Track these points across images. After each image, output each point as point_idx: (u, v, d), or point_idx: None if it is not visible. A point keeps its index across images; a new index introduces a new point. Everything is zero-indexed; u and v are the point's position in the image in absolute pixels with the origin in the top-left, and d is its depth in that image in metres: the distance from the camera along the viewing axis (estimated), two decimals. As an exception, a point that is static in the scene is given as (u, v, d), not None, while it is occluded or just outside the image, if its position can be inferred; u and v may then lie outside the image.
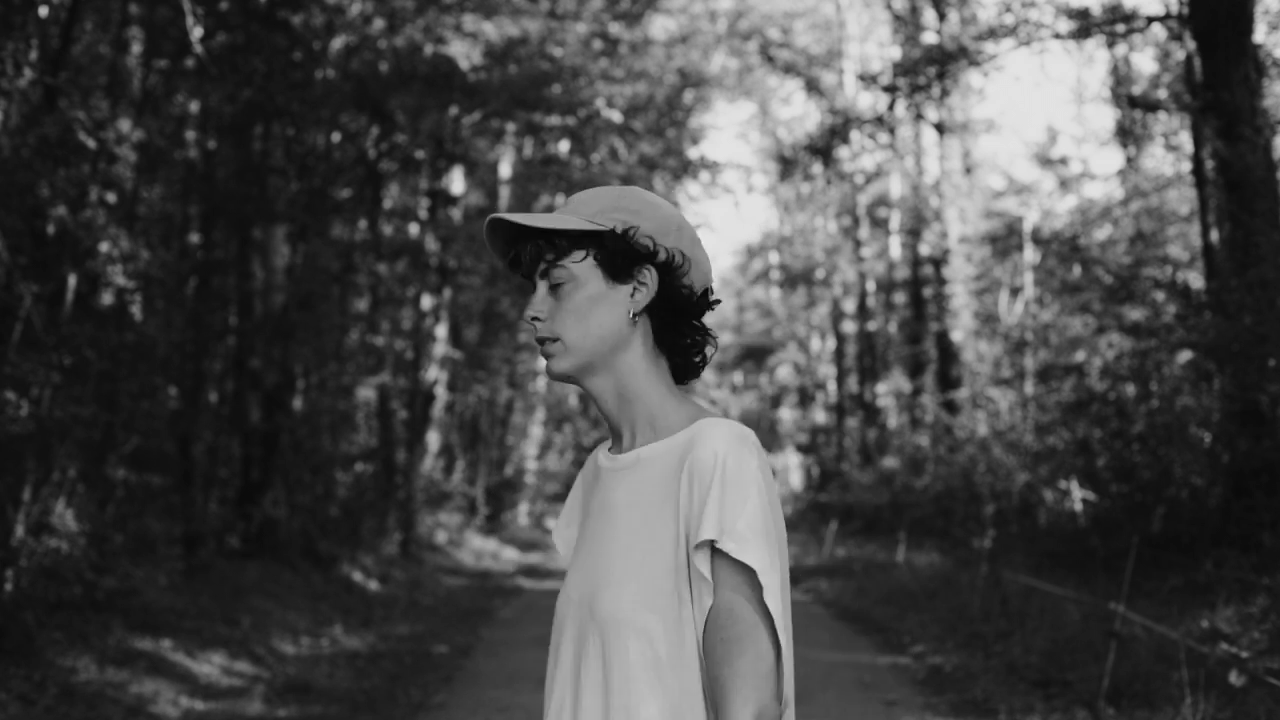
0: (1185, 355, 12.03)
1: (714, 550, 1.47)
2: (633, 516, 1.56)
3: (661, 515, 1.53)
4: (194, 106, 13.34)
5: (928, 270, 25.70)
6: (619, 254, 1.58)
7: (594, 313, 1.58)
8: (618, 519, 1.58)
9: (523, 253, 1.61)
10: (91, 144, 8.56)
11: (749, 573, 1.46)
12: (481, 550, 20.01)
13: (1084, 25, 13.04)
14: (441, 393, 20.36)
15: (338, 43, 14.33)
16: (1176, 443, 11.89)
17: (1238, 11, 10.88)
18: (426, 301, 19.33)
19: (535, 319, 1.60)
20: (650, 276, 1.58)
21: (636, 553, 1.53)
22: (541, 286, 1.61)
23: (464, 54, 15.07)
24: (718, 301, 1.66)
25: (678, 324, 1.61)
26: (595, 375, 1.62)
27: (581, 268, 1.58)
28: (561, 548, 1.76)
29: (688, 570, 1.50)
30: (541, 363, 27.71)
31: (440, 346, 19.74)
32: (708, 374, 43.44)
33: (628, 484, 1.59)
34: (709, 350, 1.66)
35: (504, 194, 23.34)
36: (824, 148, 23.08)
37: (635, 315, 1.59)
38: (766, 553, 1.46)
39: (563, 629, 1.61)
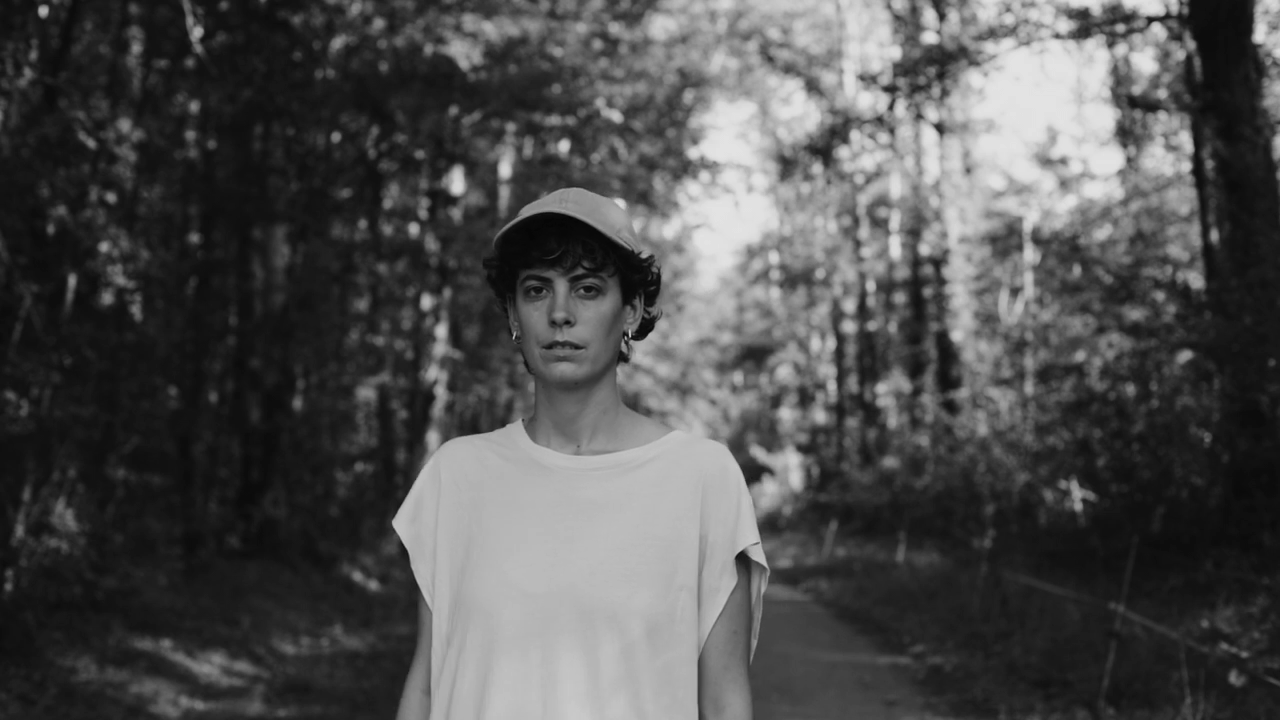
0: (1185, 355, 12.03)
1: (739, 555, 1.64)
2: (629, 516, 1.60)
3: (676, 518, 1.61)
4: (194, 106, 13.34)
5: (928, 270, 25.70)
6: (638, 280, 1.66)
7: (614, 327, 1.63)
8: (605, 517, 1.60)
9: (570, 250, 1.59)
10: (91, 144, 8.56)
11: (762, 575, 1.68)
12: (481, 550, 19.99)
13: (1084, 25, 13.04)
14: (441, 393, 20.35)
15: (338, 43, 14.33)
16: (1176, 443, 11.89)
17: (1238, 11, 10.87)
18: (426, 301, 19.32)
19: (567, 322, 1.59)
20: (641, 303, 1.68)
21: (644, 550, 1.58)
22: (563, 288, 1.59)
23: (464, 54, 15.06)
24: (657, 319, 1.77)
25: (634, 346, 1.70)
26: (596, 385, 1.65)
27: (611, 282, 1.62)
28: (411, 542, 1.72)
29: (698, 570, 1.61)
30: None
31: (440, 346, 19.73)
32: (708, 374, 43.45)
33: (612, 485, 1.62)
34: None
35: (504, 194, 23.34)
36: (824, 148, 23.09)
37: (634, 335, 1.69)
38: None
39: (556, 620, 1.56)
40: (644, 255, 1.66)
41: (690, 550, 1.60)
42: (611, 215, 1.62)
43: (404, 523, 1.72)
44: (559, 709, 1.53)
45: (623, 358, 1.69)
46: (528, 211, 1.59)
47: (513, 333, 1.67)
